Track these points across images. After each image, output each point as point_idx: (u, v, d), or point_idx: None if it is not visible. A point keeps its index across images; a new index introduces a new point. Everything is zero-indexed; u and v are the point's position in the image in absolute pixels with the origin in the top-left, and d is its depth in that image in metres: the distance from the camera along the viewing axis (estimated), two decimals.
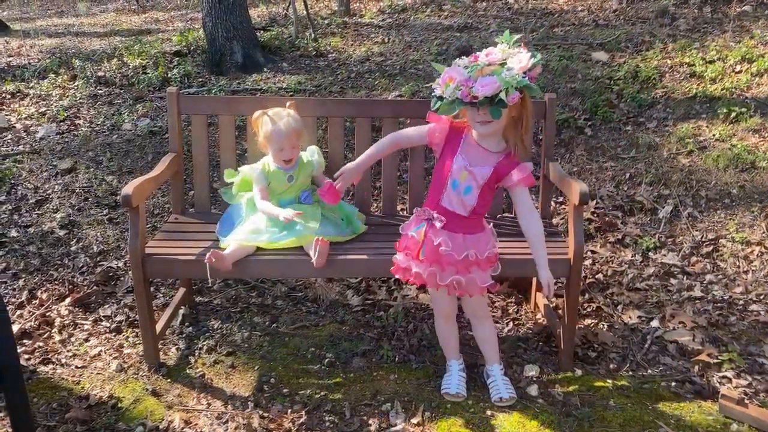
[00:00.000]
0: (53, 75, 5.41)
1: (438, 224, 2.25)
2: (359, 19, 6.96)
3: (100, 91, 5.09)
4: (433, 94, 2.24)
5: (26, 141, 4.36)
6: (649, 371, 2.63)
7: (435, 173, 2.35)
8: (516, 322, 3.00)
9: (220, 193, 2.85)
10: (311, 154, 2.74)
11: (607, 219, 3.65)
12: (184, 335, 2.88)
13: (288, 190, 2.64)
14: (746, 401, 2.34)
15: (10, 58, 6.15)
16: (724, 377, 2.57)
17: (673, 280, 3.23)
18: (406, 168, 3.37)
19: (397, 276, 2.40)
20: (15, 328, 2.85)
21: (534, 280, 3.05)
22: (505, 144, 2.27)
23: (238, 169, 2.74)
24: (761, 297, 3.07)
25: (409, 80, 4.96)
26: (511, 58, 2.14)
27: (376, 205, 3.63)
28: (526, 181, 2.25)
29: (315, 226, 2.53)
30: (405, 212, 3.08)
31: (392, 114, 2.93)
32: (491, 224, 2.43)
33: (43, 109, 4.79)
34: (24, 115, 4.69)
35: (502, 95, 2.06)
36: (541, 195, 2.98)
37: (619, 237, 3.54)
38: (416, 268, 2.30)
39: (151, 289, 2.80)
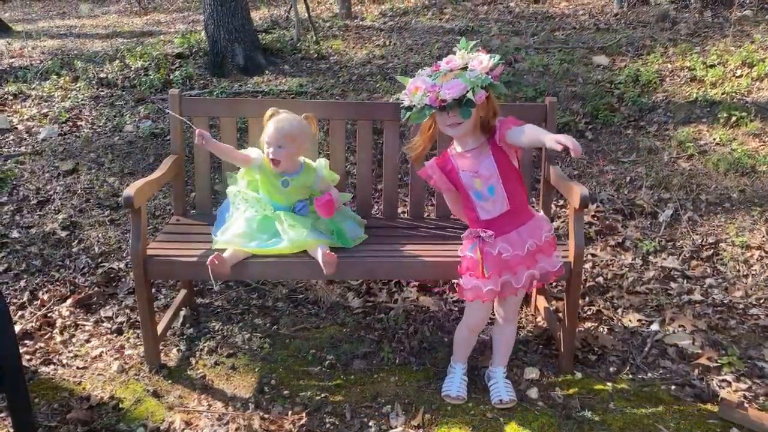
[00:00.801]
0: (55, 76, 5.42)
1: (488, 238, 2.26)
2: (360, 22, 6.97)
3: (101, 93, 5.10)
4: (401, 106, 2.31)
5: (28, 142, 4.37)
6: (649, 374, 2.64)
7: (462, 199, 2.39)
8: (516, 325, 3.00)
9: (225, 176, 2.84)
10: (318, 167, 2.71)
11: (607, 222, 3.65)
12: (185, 336, 2.89)
13: (283, 196, 2.62)
14: (746, 405, 2.35)
15: (12, 60, 6.16)
16: (723, 381, 2.57)
17: (673, 284, 3.23)
18: (407, 171, 3.38)
19: (467, 299, 2.35)
20: (16, 328, 2.85)
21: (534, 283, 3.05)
22: (481, 134, 2.31)
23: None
24: (761, 301, 3.08)
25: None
26: (472, 62, 2.22)
27: (377, 207, 3.64)
28: (509, 122, 2.25)
29: (299, 236, 2.50)
30: (405, 215, 3.08)
31: (393, 117, 2.94)
32: (541, 212, 2.43)
33: (45, 111, 4.80)
34: (26, 117, 4.70)
35: (470, 95, 2.12)
36: (542, 198, 2.98)
37: (620, 240, 3.55)
38: (487, 285, 2.26)
39: (152, 290, 2.81)
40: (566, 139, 2.01)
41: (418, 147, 2.42)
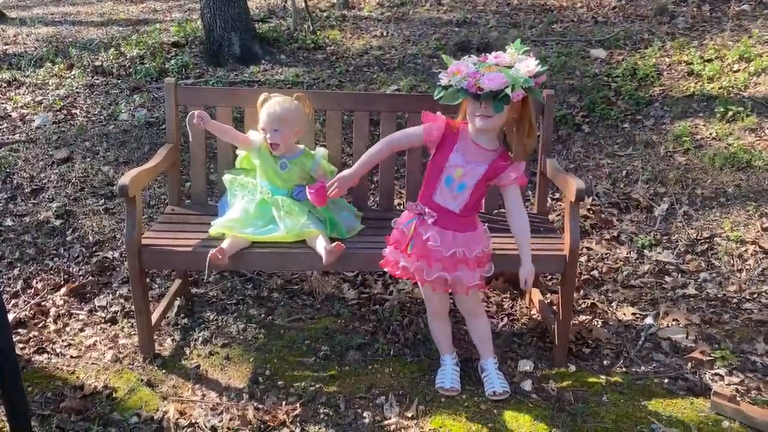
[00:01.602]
0: (50, 64, 5.38)
1: (429, 219, 2.26)
2: (358, 12, 6.94)
3: (96, 81, 5.06)
4: (438, 84, 2.27)
5: (22, 130, 4.34)
6: (643, 368, 2.65)
7: (429, 169, 2.35)
8: (511, 318, 3.01)
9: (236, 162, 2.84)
10: (317, 154, 2.74)
11: (602, 216, 3.66)
12: (179, 326, 2.88)
13: (281, 179, 2.62)
14: (738, 398, 2.36)
15: (7, 47, 6.11)
16: (716, 374, 2.59)
17: (667, 278, 3.24)
18: (403, 162, 3.37)
19: (385, 269, 2.42)
20: (10, 317, 2.84)
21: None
22: (498, 143, 2.30)
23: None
24: (755, 295, 3.09)
25: (408, 75, 4.95)
26: (519, 63, 2.19)
27: (373, 199, 3.63)
28: (519, 180, 2.30)
29: (296, 223, 2.52)
30: (402, 207, 3.08)
31: (390, 108, 2.93)
32: (486, 224, 2.43)
33: (39, 98, 4.76)
34: (20, 104, 4.67)
35: (508, 90, 2.10)
36: (538, 191, 2.98)
37: (615, 234, 3.55)
38: (404, 261, 2.32)
39: (147, 279, 2.81)
40: (525, 281, 2.34)
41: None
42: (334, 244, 2.41)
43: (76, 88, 4.94)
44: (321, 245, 2.44)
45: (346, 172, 2.39)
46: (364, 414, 2.35)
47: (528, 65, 2.17)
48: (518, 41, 2.29)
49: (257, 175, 2.68)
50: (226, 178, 2.76)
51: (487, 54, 2.28)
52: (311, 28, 6.21)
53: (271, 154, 2.63)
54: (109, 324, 2.89)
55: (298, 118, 2.62)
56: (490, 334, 2.53)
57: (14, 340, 2.64)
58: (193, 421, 2.30)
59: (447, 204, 2.28)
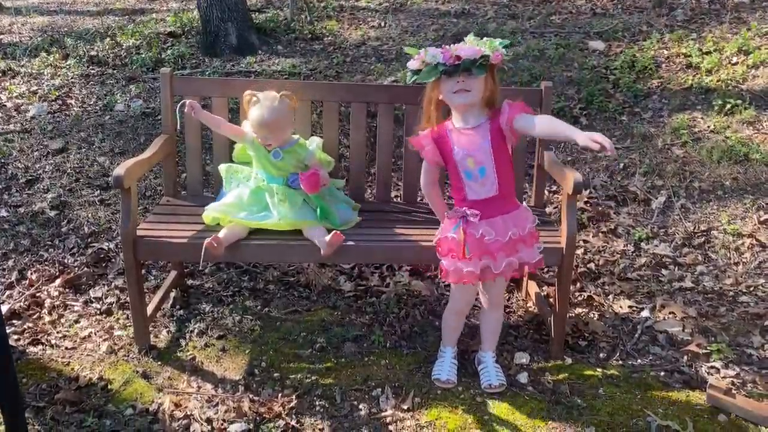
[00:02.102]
0: (45, 53, 5.34)
1: (473, 218, 2.23)
2: (356, 3, 6.89)
3: (92, 71, 5.02)
4: (408, 71, 2.29)
5: (17, 120, 4.31)
6: (639, 361, 2.65)
7: (450, 177, 2.35)
8: (507, 310, 3.00)
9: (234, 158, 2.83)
10: (311, 143, 2.72)
11: (600, 209, 3.65)
12: (175, 318, 2.87)
13: (276, 168, 2.61)
14: (734, 392, 2.36)
15: (1, 36, 6.06)
16: (712, 368, 2.59)
17: (664, 271, 3.24)
18: (400, 154, 3.35)
19: (449, 281, 2.35)
20: (4, 308, 2.83)
21: (526, 268, 3.04)
22: (483, 114, 2.27)
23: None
24: (751, 288, 3.09)
25: (406, 66, 4.91)
26: (482, 42, 2.22)
27: (370, 191, 3.62)
28: (519, 107, 2.22)
29: (290, 211, 2.51)
30: (399, 199, 3.07)
31: (388, 99, 2.91)
32: (524, 203, 2.42)
33: (34, 88, 4.73)
34: (15, 94, 4.63)
35: (486, 51, 2.13)
36: (535, 184, 2.97)
37: (612, 227, 3.55)
38: (467, 267, 2.25)
39: (143, 271, 2.80)
40: (602, 138, 1.99)
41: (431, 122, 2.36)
42: (332, 234, 2.40)
43: (72, 78, 4.90)
44: (319, 236, 2.43)
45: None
46: (360, 406, 2.34)
47: (491, 40, 2.21)
48: (471, 34, 2.29)
49: (253, 164, 2.67)
50: (222, 167, 2.75)
51: (447, 46, 2.27)
52: (308, 18, 6.17)
53: (264, 146, 2.62)
54: (104, 315, 2.88)
55: (288, 117, 2.60)
56: (500, 329, 2.53)
57: (8, 331, 2.64)
58: (189, 413, 2.30)
59: (483, 194, 2.25)
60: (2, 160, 3.88)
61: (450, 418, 2.28)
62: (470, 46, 2.16)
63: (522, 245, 2.27)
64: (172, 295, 2.99)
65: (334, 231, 2.42)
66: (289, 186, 2.60)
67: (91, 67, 5.10)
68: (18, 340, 2.66)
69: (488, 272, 2.26)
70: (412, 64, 2.26)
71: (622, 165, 3.93)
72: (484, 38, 2.23)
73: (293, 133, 2.70)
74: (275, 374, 2.51)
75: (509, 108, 2.22)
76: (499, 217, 2.25)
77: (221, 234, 2.42)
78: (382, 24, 6.04)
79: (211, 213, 2.54)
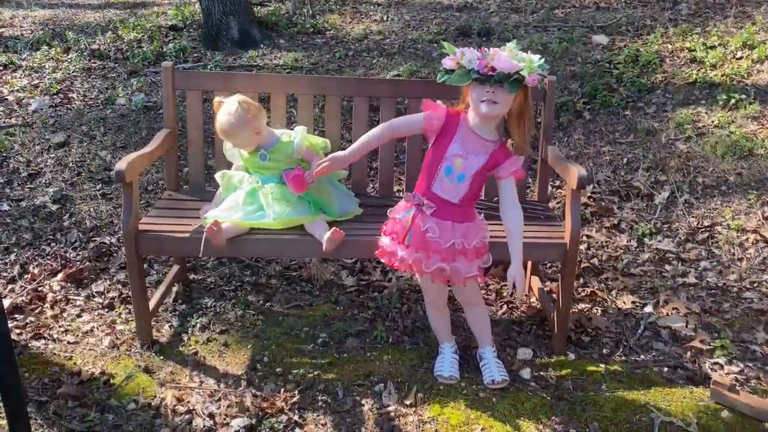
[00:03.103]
0: (46, 47, 5.32)
1: (428, 211, 2.23)
2: None
3: (93, 65, 5.01)
4: (442, 68, 2.22)
5: (18, 114, 4.30)
6: (642, 356, 2.64)
7: (427, 159, 2.32)
8: (510, 306, 3.00)
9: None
10: (294, 135, 2.64)
11: (603, 204, 3.64)
12: (177, 313, 2.87)
13: (267, 168, 2.59)
14: (737, 388, 2.35)
15: (2, 30, 6.04)
16: (716, 364, 2.58)
17: (667, 266, 3.23)
18: (402, 149, 3.34)
19: (381, 259, 2.38)
20: (6, 302, 2.83)
21: (529, 264, 3.04)
22: (497, 135, 2.27)
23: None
24: (755, 284, 3.08)
25: (408, 60, 4.90)
26: (522, 54, 2.16)
27: (372, 186, 3.61)
28: (517, 173, 2.27)
29: (284, 210, 2.49)
30: (401, 194, 3.06)
31: (391, 93, 2.90)
32: (482, 214, 2.40)
33: (35, 82, 4.72)
34: (16, 88, 4.62)
35: (524, 72, 2.08)
36: (539, 178, 2.96)
37: (615, 222, 3.53)
38: (402, 252, 2.27)
39: (145, 265, 2.79)
40: (515, 283, 2.23)
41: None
42: (333, 230, 2.39)
43: (73, 71, 4.89)
44: (320, 232, 2.42)
45: (340, 153, 2.37)
46: (363, 401, 2.34)
47: (533, 57, 2.15)
48: (514, 41, 2.26)
49: (249, 167, 2.66)
50: (218, 175, 2.72)
51: (486, 49, 2.22)
52: (310, 12, 6.15)
53: (252, 154, 2.60)
54: (106, 310, 2.88)
55: (245, 124, 2.51)
56: (489, 323, 2.52)
57: (11, 325, 2.63)
58: (191, 407, 2.30)
59: (446, 194, 2.24)
60: (4, 154, 3.87)
61: (453, 414, 2.27)
62: (508, 59, 2.10)
63: (461, 257, 2.25)
64: (174, 289, 2.99)
65: (334, 228, 2.41)
66: (283, 183, 2.58)
67: (92, 60, 5.09)
68: (20, 334, 2.66)
69: (418, 265, 2.26)
70: (447, 63, 2.20)
71: (625, 160, 3.91)
72: (527, 54, 2.16)
73: (278, 126, 2.69)
74: (277, 369, 2.50)
75: (511, 168, 2.24)
76: (450, 223, 2.24)
77: (223, 225, 2.40)
78: (385, 18, 6.01)
79: (210, 220, 2.51)
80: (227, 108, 2.52)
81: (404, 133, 2.51)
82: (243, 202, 2.55)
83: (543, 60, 2.17)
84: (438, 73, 2.26)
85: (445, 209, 2.24)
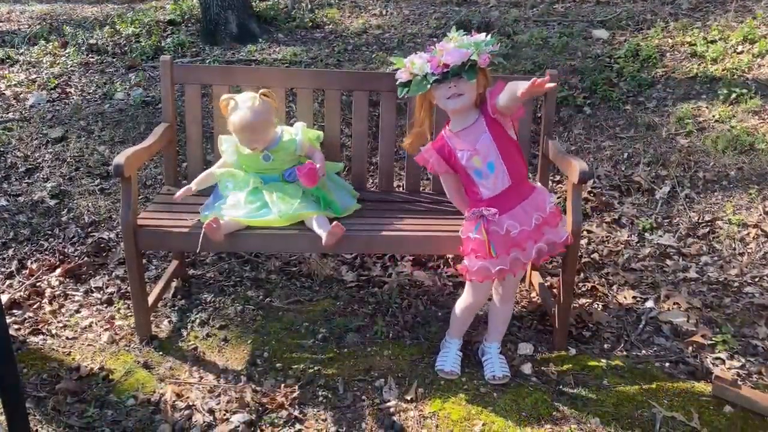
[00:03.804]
0: (44, 42, 5.29)
1: (491, 217, 2.20)
2: None
3: (91, 59, 4.98)
4: (398, 83, 2.25)
5: (16, 108, 4.27)
6: (643, 352, 2.63)
7: (462, 181, 2.33)
8: None
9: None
10: (295, 132, 2.63)
11: (603, 199, 3.62)
12: (176, 308, 2.85)
13: (269, 168, 2.57)
14: (739, 383, 2.35)
15: (0, 24, 6.01)
16: (717, 359, 2.57)
17: (668, 261, 3.22)
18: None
19: (476, 280, 2.29)
20: (4, 298, 2.82)
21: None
22: (476, 112, 2.24)
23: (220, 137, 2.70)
24: (756, 279, 3.07)
25: (408, 54, 4.86)
26: (469, 38, 2.16)
27: (372, 181, 3.59)
28: (498, 89, 2.17)
29: (289, 207, 2.46)
30: (401, 188, 3.04)
31: (390, 88, 2.86)
32: (538, 184, 2.38)
33: (33, 77, 4.69)
34: (13, 82, 4.59)
35: (474, 56, 2.08)
36: (540, 173, 2.94)
37: (616, 217, 3.52)
38: (495, 266, 2.21)
39: (143, 260, 2.77)
40: (535, 81, 1.98)
41: (411, 139, 2.37)
42: (333, 225, 2.37)
43: (71, 66, 4.86)
44: (320, 227, 2.40)
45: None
46: (363, 397, 2.33)
47: (479, 36, 2.16)
48: (454, 28, 2.26)
49: (247, 168, 2.62)
50: (217, 172, 2.68)
51: (430, 45, 2.24)
52: (309, 6, 6.12)
53: (254, 154, 2.57)
54: (105, 305, 2.86)
55: (271, 117, 2.52)
56: (508, 323, 2.50)
57: (9, 321, 2.62)
58: (191, 403, 2.28)
59: (497, 188, 2.22)
60: (1, 149, 3.85)
61: (453, 409, 2.26)
62: (456, 49, 2.11)
63: (547, 227, 2.24)
64: (174, 284, 2.98)
65: (335, 222, 2.39)
66: (285, 180, 2.56)
67: (90, 55, 5.06)
68: (18, 329, 2.65)
69: (518, 264, 2.23)
70: (401, 76, 2.23)
71: (626, 154, 3.90)
72: (471, 37, 2.17)
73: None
74: (277, 364, 2.49)
75: (490, 94, 2.19)
76: (519, 207, 2.22)
77: (223, 221, 2.39)
78: (384, 12, 5.99)
79: (209, 218, 2.47)
80: (248, 103, 2.47)
81: (455, 182, 2.41)
82: (245, 200, 2.51)
83: (489, 36, 2.18)
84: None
85: (507, 200, 2.21)
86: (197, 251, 3.04)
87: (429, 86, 2.16)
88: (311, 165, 2.44)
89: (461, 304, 2.45)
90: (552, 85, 1.99)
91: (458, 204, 2.45)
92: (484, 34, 2.19)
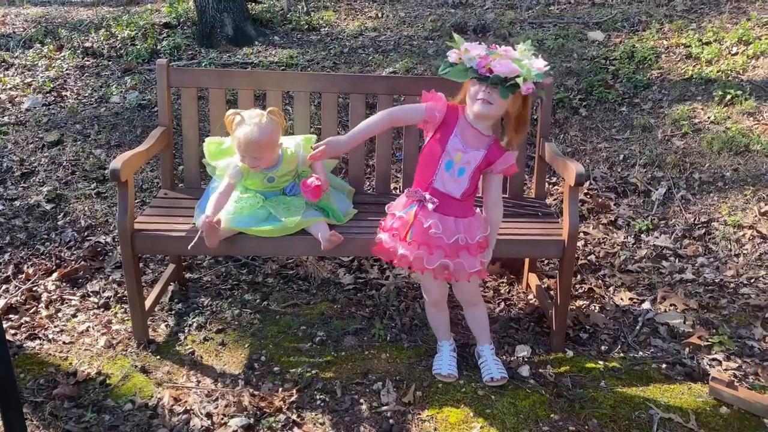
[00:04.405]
0: (39, 45, 5.28)
1: (430, 206, 2.20)
2: None
3: (87, 63, 4.98)
4: (445, 60, 2.20)
5: (11, 112, 4.26)
6: (640, 353, 2.64)
7: (425, 154, 2.29)
8: (508, 303, 2.99)
9: (204, 164, 2.76)
10: (296, 147, 2.57)
11: (600, 200, 3.63)
12: (173, 312, 2.85)
13: (272, 187, 2.53)
14: (736, 384, 2.35)
15: None
16: (714, 360, 2.58)
17: (665, 263, 3.23)
18: (399, 146, 3.33)
19: (379, 257, 2.36)
20: (1, 302, 2.81)
21: (526, 261, 3.04)
22: (493, 131, 2.27)
23: (222, 139, 2.67)
24: (752, 280, 3.08)
25: (404, 56, 4.89)
26: (529, 60, 2.14)
27: (368, 183, 3.59)
28: (509, 170, 2.27)
29: (294, 220, 2.43)
30: (398, 191, 3.04)
31: (387, 90, 2.88)
32: (478, 209, 2.39)
33: (28, 80, 4.68)
34: (9, 86, 4.58)
35: (519, 80, 2.06)
36: (536, 175, 2.95)
37: (612, 218, 3.53)
38: (403, 249, 2.24)
39: (140, 264, 2.77)
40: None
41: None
42: (331, 233, 2.37)
43: (66, 69, 4.86)
44: (320, 231, 2.40)
45: (338, 137, 2.33)
46: (361, 400, 2.33)
47: (538, 63, 2.13)
48: (528, 41, 2.24)
49: (250, 185, 2.56)
50: (221, 163, 2.65)
51: (495, 45, 2.21)
52: (305, 8, 6.12)
53: (259, 173, 2.50)
54: (102, 309, 2.85)
55: (277, 136, 2.44)
56: (488, 321, 2.51)
57: (5, 325, 2.61)
58: (188, 407, 2.28)
59: (448, 189, 2.22)
60: None
61: (452, 412, 2.26)
62: (509, 62, 2.08)
63: (465, 252, 2.23)
64: (171, 288, 2.97)
65: (333, 231, 2.39)
66: (286, 195, 2.55)
67: (86, 58, 5.06)
68: (15, 334, 2.64)
69: (419, 263, 2.23)
70: (451, 56, 2.19)
71: (622, 156, 3.91)
72: (534, 58, 2.14)
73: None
74: (275, 368, 2.49)
75: (506, 167, 2.24)
76: (452, 219, 2.22)
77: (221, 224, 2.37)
78: (380, 14, 5.99)
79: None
80: (254, 119, 2.37)
81: (403, 122, 2.49)
82: (249, 213, 2.47)
83: (548, 68, 2.14)
84: (437, 68, 2.24)
85: (447, 204, 2.22)
86: (189, 246, 2.96)
87: (465, 79, 2.16)
88: (317, 183, 2.40)
89: (425, 304, 2.50)
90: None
91: (359, 127, 2.33)
92: (544, 62, 2.14)
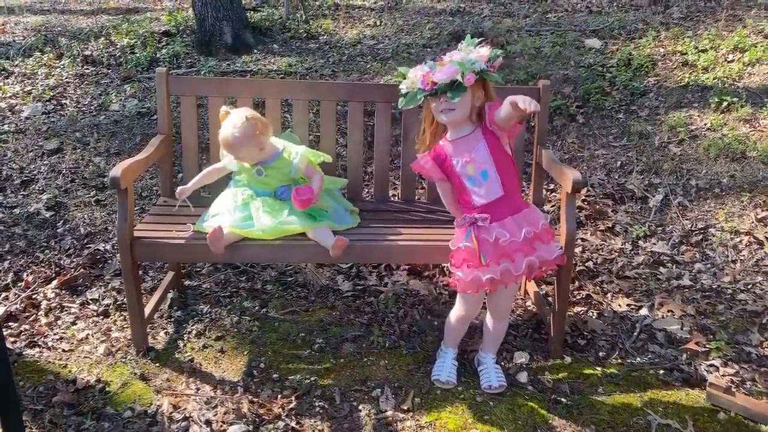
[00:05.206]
0: (39, 53, 5.31)
1: (483, 223, 2.20)
2: (351, 1, 6.87)
3: (86, 71, 5.00)
4: (399, 93, 2.32)
5: (11, 120, 4.28)
6: (638, 359, 2.65)
7: (455, 190, 2.34)
8: None
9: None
10: (295, 155, 2.59)
11: (597, 207, 3.65)
12: (172, 319, 2.86)
13: (262, 184, 2.57)
14: (733, 390, 2.36)
15: None
16: (711, 365, 2.59)
17: (662, 269, 3.24)
18: (398, 153, 3.35)
19: (468, 291, 2.28)
20: (0, 310, 2.81)
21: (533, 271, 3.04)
22: (474, 124, 2.28)
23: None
24: (749, 286, 3.09)
25: (402, 64, 4.89)
26: (472, 54, 2.21)
27: (367, 190, 3.61)
28: (496, 105, 2.21)
29: (274, 221, 2.46)
30: (397, 198, 3.06)
31: (385, 98, 2.90)
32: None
33: (28, 88, 4.70)
34: (9, 94, 4.60)
35: (458, 77, 2.12)
36: (533, 182, 2.96)
37: (610, 225, 3.54)
38: (486, 274, 2.20)
39: (140, 272, 2.77)
40: (524, 100, 1.98)
41: (426, 140, 2.37)
42: (336, 239, 2.39)
43: (66, 77, 4.88)
44: (326, 239, 2.41)
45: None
46: (360, 407, 2.34)
47: (480, 52, 2.20)
48: (468, 37, 2.31)
49: (239, 178, 2.65)
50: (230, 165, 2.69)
51: (443, 56, 2.28)
52: (304, 17, 6.16)
53: (249, 166, 2.57)
54: (101, 317, 2.86)
55: (251, 139, 2.46)
56: (503, 336, 2.51)
57: (5, 333, 2.62)
58: (188, 414, 2.28)
59: (489, 196, 2.23)
60: None
61: (450, 419, 2.27)
62: (448, 66, 2.16)
63: (539, 243, 2.23)
64: (170, 296, 2.98)
65: (338, 237, 2.41)
66: (277, 198, 2.57)
67: (85, 66, 5.08)
68: (14, 342, 2.64)
69: (509, 275, 2.21)
70: (402, 88, 2.30)
71: (619, 163, 3.93)
72: (480, 50, 2.21)
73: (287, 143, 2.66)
74: (274, 375, 2.50)
75: (489, 108, 2.23)
76: (510, 218, 2.22)
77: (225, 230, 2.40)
78: (378, 23, 6.03)
79: (201, 227, 2.52)
80: (233, 121, 2.46)
81: (450, 194, 2.44)
82: (234, 208, 2.54)
83: (493, 52, 2.21)
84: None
85: (497, 210, 2.22)
86: (187, 258, 3.00)
87: (421, 100, 2.23)
88: (309, 195, 2.43)
89: (454, 314, 2.46)
90: (535, 109, 2.00)
91: (454, 212, 2.46)
92: (487, 48, 2.21)
